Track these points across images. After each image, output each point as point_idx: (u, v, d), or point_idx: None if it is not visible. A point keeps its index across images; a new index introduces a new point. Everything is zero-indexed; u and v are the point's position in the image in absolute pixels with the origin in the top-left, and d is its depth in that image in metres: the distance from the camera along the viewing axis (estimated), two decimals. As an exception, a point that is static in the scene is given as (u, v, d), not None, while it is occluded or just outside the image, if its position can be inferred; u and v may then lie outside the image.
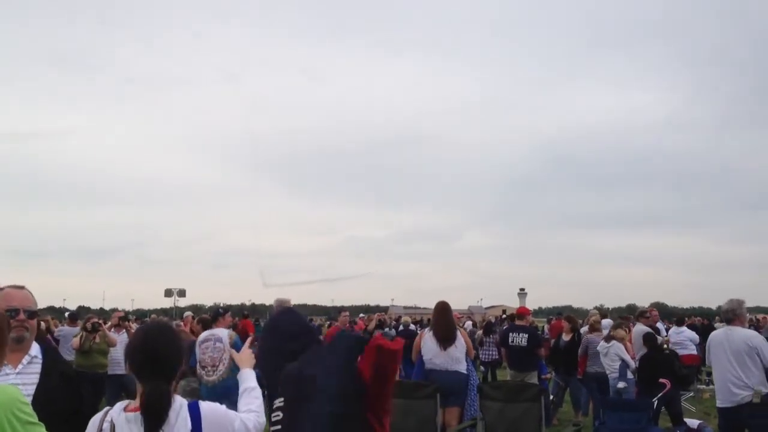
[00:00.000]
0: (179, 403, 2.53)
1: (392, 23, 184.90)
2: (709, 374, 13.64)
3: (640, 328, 10.92)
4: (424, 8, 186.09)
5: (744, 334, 6.64)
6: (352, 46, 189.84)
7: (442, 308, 7.71)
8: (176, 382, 2.67)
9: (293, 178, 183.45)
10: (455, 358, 7.40)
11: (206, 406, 2.58)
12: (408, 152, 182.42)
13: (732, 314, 6.77)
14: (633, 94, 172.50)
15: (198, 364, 7.90)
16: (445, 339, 7.44)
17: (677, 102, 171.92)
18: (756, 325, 22.07)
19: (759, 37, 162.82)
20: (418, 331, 11.40)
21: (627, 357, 9.46)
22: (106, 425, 2.48)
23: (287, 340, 3.24)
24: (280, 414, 3.06)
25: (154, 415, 2.44)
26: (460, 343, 7.48)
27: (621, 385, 9.29)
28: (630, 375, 9.35)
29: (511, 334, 10.47)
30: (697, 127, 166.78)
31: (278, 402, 3.10)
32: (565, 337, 11.60)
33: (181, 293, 41.84)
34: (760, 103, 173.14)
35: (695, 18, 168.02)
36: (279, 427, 3.00)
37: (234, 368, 7.62)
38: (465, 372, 7.46)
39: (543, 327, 24.01)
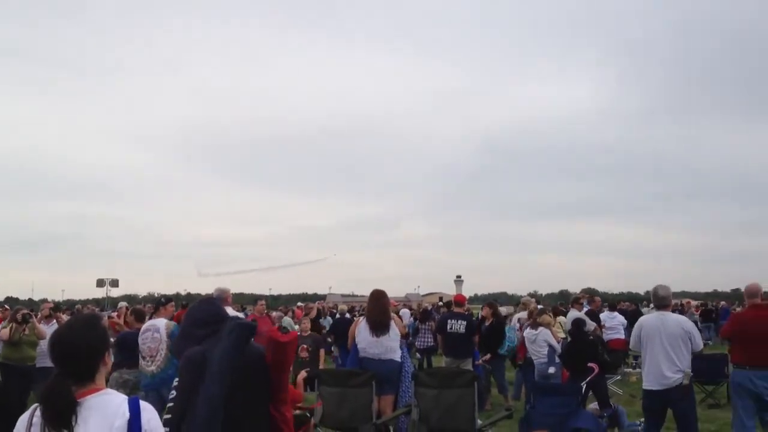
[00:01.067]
0: (120, 398, 2.50)
1: (340, 12, 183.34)
2: (636, 358, 14.11)
3: (573, 314, 11.21)
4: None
5: (678, 319, 6.97)
6: (297, 34, 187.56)
7: (376, 296, 7.72)
8: (107, 374, 2.64)
9: (234, 168, 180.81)
10: (388, 347, 7.41)
11: (146, 404, 2.53)
12: (348, 142, 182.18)
13: (667, 300, 7.07)
14: (569, 87, 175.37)
15: (140, 354, 7.90)
16: (378, 327, 7.43)
17: (611, 94, 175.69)
18: (680, 310, 22.92)
19: (686, 30, 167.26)
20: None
21: (554, 342, 9.72)
22: (36, 419, 2.44)
23: (199, 326, 3.50)
24: (174, 393, 3.32)
25: (52, 412, 2.38)
26: (394, 332, 7.49)
27: (551, 370, 9.54)
28: (558, 360, 9.61)
29: (449, 321, 10.60)
30: (628, 119, 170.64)
31: (175, 382, 3.38)
32: (486, 323, 11.81)
33: (114, 283, 40.89)
34: (689, 94, 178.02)
35: (626, 12, 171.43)
36: (171, 404, 3.27)
37: (172, 358, 7.66)
38: (399, 360, 7.49)
39: (478, 314, 24.36)
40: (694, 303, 32.82)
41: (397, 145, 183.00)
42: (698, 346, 6.81)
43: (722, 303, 33.24)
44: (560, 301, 38.54)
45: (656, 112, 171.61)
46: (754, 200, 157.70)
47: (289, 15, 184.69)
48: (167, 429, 3.15)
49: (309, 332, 11.18)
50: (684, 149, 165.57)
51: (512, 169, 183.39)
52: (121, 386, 7.81)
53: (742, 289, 7.67)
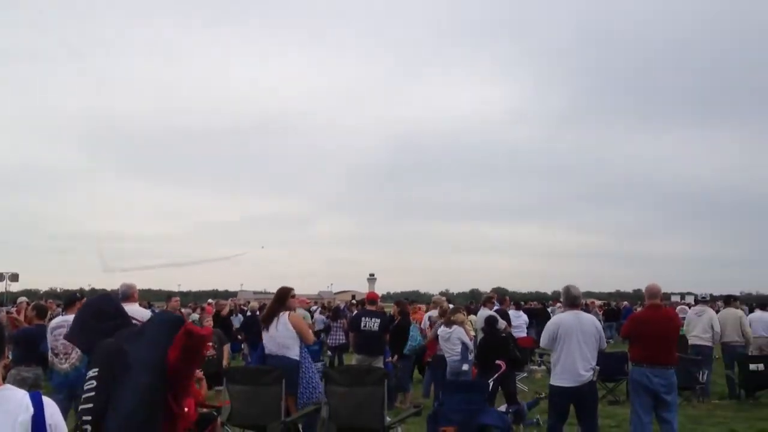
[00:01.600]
0: (21, 393, 2.43)
1: (251, 5, 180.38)
2: (542, 355, 14.52)
3: (483, 313, 11.42)
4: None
5: (591, 318, 7.31)
6: (207, 27, 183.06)
7: (276, 292, 7.90)
8: (4, 372, 2.56)
9: (141, 162, 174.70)
10: (281, 343, 7.40)
11: (48, 400, 2.48)
12: (262, 137, 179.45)
13: (579, 300, 7.36)
14: (485, 89, 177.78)
15: (50, 351, 7.64)
16: (264, 321, 7.67)
17: (523, 99, 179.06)
18: (586, 309, 23.72)
19: (601, 38, 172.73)
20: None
21: (467, 340, 9.88)
22: None
23: (104, 320, 3.65)
24: (94, 383, 3.38)
25: None
26: (285, 328, 7.41)
27: (465, 367, 9.69)
28: (471, 357, 9.78)
29: (363, 318, 10.65)
30: (542, 122, 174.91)
31: (92, 372, 3.43)
32: (396, 321, 11.92)
33: (14, 277, 39.24)
34: (598, 101, 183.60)
35: (541, 18, 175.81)
36: (92, 394, 3.34)
37: (86, 355, 7.38)
38: (294, 358, 7.35)
39: (388, 312, 24.61)
40: (597, 303, 34.03)
41: (312, 142, 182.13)
42: (603, 344, 7.20)
43: (625, 303, 34.60)
44: (471, 300, 39.28)
45: (568, 116, 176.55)
46: (657, 204, 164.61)
47: (202, 10, 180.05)
48: (88, 418, 3.30)
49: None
50: (591, 154, 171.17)
51: (425, 169, 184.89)
52: (19, 384, 7.47)
53: (644, 290, 7.98)
